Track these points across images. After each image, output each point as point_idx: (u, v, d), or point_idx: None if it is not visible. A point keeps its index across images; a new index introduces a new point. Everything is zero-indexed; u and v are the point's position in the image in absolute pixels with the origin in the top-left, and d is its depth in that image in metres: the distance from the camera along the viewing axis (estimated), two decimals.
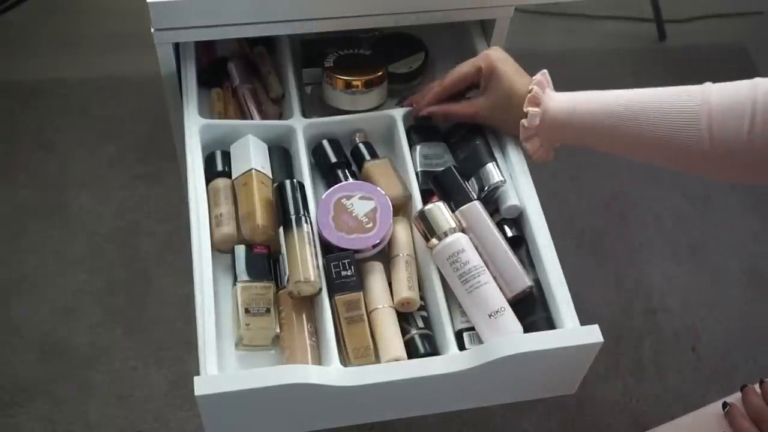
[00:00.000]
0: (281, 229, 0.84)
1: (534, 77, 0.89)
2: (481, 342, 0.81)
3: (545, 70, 0.91)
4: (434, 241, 0.84)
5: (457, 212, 0.86)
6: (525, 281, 0.83)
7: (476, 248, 0.84)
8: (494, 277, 0.83)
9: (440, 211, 0.84)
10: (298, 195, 0.87)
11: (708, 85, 0.77)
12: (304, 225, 0.84)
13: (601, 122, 0.83)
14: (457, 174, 0.89)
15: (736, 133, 0.73)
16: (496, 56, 0.91)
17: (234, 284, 0.83)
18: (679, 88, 0.79)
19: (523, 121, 0.88)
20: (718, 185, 1.71)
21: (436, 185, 0.90)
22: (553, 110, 0.86)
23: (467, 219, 0.85)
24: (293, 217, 0.85)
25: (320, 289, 0.82)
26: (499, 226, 0.88)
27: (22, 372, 1.36)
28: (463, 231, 0.85)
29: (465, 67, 0.92)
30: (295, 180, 0.89)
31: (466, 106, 0.94)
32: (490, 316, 0.81)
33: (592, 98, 0.85)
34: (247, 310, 0.81)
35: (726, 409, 0.85)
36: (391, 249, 0.88)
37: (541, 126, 0.87)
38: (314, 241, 0.85)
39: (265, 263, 0.85)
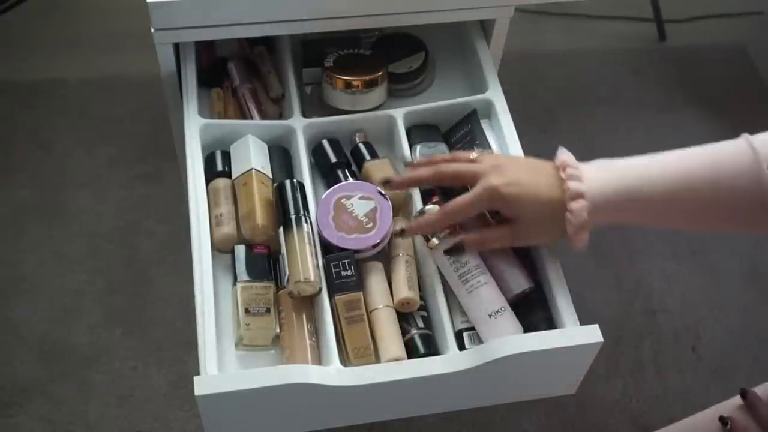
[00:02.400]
0: (281, 229, 0.84)
1: (560, 166, 0.77)
2: (481, 342, 0.81)
3: (563, 150, 0.79)
4: (434, 240, 0.83)
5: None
6: (525, 283, 0.83)
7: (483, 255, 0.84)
8: (495, 278, 0.83)
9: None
10: (298, 195, 0.87)
11: (749, 138, 0.73)
12: (304, 225, 0.84)
13: (652, 196, 0.74)
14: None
15: None
16: (497, 182, 0.77)
17: (234, 284, 0.83)
18: (721, 146, 0.74)
19: (569, 217, 0.75)
20: None
21: (437, 185, 0.90)
22: (599, 197, 0.75)
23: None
24: (293, 217, 0.85)
25: (320, 289, 0.82)
26: None
27: (21, 372, 1.36)
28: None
29: (469, 200, 0.78)
30: (295, 180, 0.89)
31: (500, 237, 0.80)
32: (490, 316, 0.81)
33: (639, 172, 0.75)
34: (247, 310, 0.81)
35: (727, 427, 0.83)
36: (391, 249, 0.88)
37: (590, 218, 0.76)
38: (314, 241, 0.84)
39: (265, 263, 0.85)
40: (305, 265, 0.81)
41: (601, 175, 0.75)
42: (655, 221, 0.79)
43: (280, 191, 0.88)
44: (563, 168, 0.76)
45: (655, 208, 0.75)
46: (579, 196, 0.74)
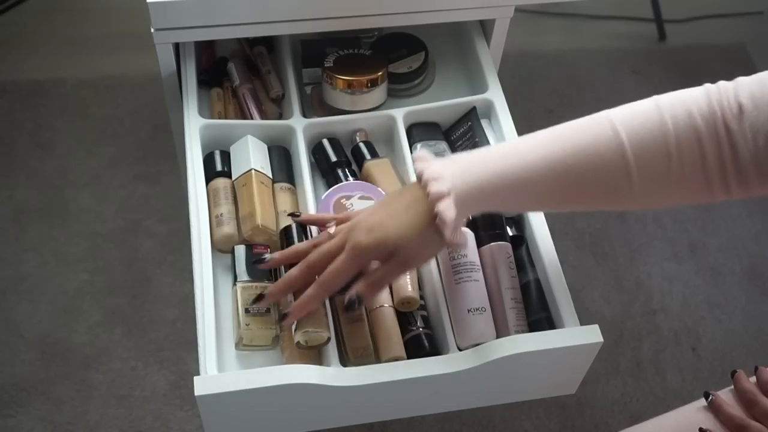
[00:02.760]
0: None
1: (418, 176, 0.74)
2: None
3: (419, 156, 0.76)
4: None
5: (485, 247, 0.86)
6: (523, 326, 0.83)
7: (490, 284, 0.84)
8: (498, 314, 0.83)
9: None
10: (304, 238, 0.84)
11: (612, 122, 0.71)
12: None
13: (514, 182, 0.72)
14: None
15: (663, 169, 0.70)
16: (357, 239, 0.74)
17: (234, 284, 0.83)
18: (585, 129, 0.72)
19: (440, 221, 0.72)
20: None
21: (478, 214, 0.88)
22: (463, 192, 0.72)
23: (494, 255, 0.85)
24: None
25: (329, 339, 0.79)
26: None
27: (21, 372, 1.36)
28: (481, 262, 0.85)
29: (341, 267, 0.75)
30: (300, 225, 0.86)
31: (389, 272, 0.76)
32: (469, 311, 0.81)
33: (499, 160, 0.73)
34: (247, 310, 0.81)
35: (710, 399, 0.85)
36: None
37: (460, 213, 0.73)
38: None
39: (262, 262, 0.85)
40: (313, 314, 0.78)
41: (460, 169, 0.73)
42: (525, 207, 0.79)
43: (286, 234, 0.85)
44: (421, 175, 0.73)
45: (522, 195, 0.73)
46: (442, 196, 0.71)
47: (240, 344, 0.81)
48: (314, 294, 0.76)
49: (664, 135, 0.69)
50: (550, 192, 0.73)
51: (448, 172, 0.73)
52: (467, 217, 0.77)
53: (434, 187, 0.72)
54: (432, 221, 0.72)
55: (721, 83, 0.70)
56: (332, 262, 0.75)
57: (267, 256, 0.82)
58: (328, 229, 0.79)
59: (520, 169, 0.72)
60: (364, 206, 0.87)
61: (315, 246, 0.78)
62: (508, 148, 0.75)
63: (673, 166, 0.69)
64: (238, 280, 0.83)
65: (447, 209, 0.71)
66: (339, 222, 0.80)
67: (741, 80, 0.69)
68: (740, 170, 0.68)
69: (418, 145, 0.96)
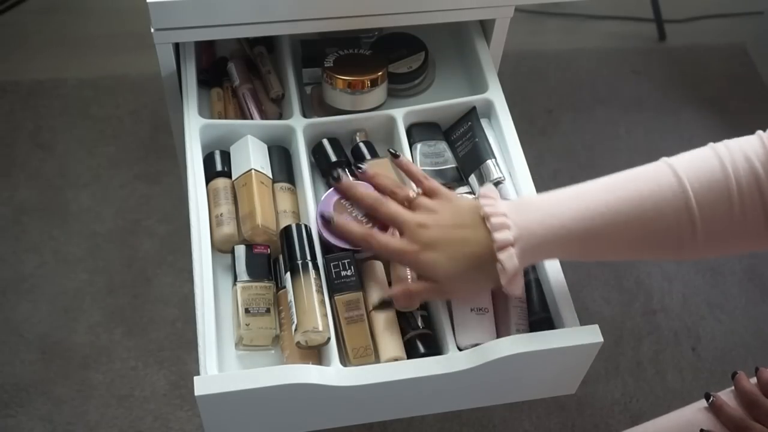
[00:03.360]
0: (288, 275, 0.82)
1: (484, 217, 0.74)
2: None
3: (486, 193, 0.76)
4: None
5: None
6: (524, 325, 0.83)
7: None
8: (501, 312, 0.83)
9: None
10: (305, 238, 0.84)
11: (673, 168, 0.71)
12: (311, 271, 0.82)
13: (579, 235, 0.72)
14: None
15: (726, 217, 0.70)
16: (413, 248, 0.76)
17: (234, 284, 0.83)
18: (643, 174, 0.73)
19: (501, 268, 0.72)
20: None
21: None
22: (527, 244, 0.73)
23: None
24: (299, 263, 0.82)
25: (329, 339, 0.79)
26: None
27: (21, 372, 1.36)
28: None
29: (391, 250, 0.78)
30: (301, 223, 0.86)
31: (426, 291, 0.78)
32: (472, 310, 0.81)
33: (563, 211, 0.73)
34: (247, 310, 0.81)
35: (710, 400, 0.85)
36: None
37: (521, 264, 0.73)
38: (322, 287, 0.82)
39: (266, 263, 0.85)
40: (313, 314, 0.78)
41: (526, 219, 0.73)
42: (587, 256, 0.78)
43: (286, 234, 0.85)
44: (487, 218, 0.74)
45: (584, 245, 0.73)
46: (508, 245, 0.72)
47: (240, 344, 0.81)
48: (363, 234, 0.80)
49: (726, 181, 0.69)
50: (615, 241, 0.73)
51: (514, 220, 0.73)
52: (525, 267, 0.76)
53: (500, 236, 0.72)
54: (487, 265, 0.73)
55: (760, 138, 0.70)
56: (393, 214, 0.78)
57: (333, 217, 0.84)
58: (410, 192, 0.81)
59: (587, 219, 0.72)
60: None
61: (394, 194, 0.82)
62: (572, 196, 0.74)
63: (735, 212, 0.69)
64: (238, 280, 0.83)
65: (509, 260, 0.72)
66: (424, 191, 0.81)
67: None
68: None
69: (418, 146, 0.96)
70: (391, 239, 0.79)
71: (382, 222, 0.82)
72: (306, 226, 0.86)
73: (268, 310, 0.82)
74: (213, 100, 1.02)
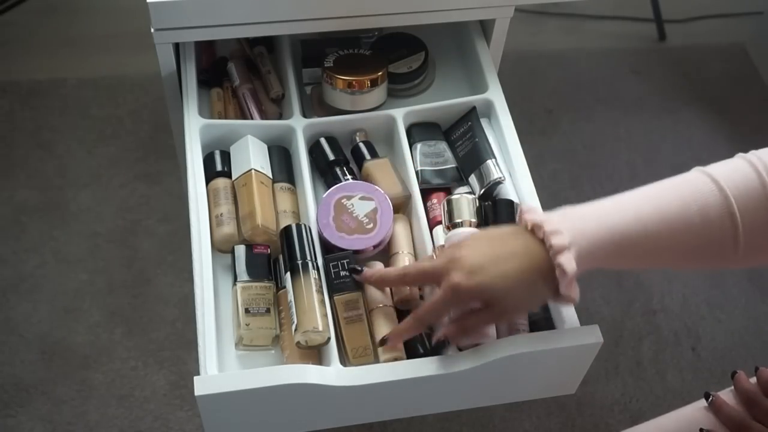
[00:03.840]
0: (288, 275, 0.82)
1: (533, 227, 0.73)
2: None
3: (530, 209, 0.76)
4: (450, 226, 0.86)
5: None
6: (524, 325, 0.83)
7: None
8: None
9: (466, 203, 0.86)
10: (305, 239, 0.84)
11: (712, 176, 0.71)
12: (311, 271, 0.82)
13: (632, 239, 0.72)
14: (513, 209, 0.88)
15: (766, 225, 0.70)
16: (458, 279, 0.72)
17: (234, 284, 0.83)
18: (687, 184, 0.72)
19: (560, 273, 0.71)
20: None
21: (490, 210, 0.88)
22: (584, 246, 0.72)
23: None
24: (299, 263, 0.82)
25: (329, 339, 0.79)
26: None
27: (21, 372, 1.36)
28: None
29: (438, 304, 0.75)
30: (302, 223, 0.86)
31: (481, 321, 0.77)
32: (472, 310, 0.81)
33: (614, 216, 0.73)
34: (247, 310, 0.81)
35: (710, 400, 0.85)
36: (391, 246, 0.88)
37: (579, 269, 0.72)
38: (322, 288, 0.82)
39: (265, 263, 0.85)
40: (313, 314, 0.78)
41: (577, 225, 0.72)
42: (635, 264, 0.77)
43: (286, 234, 0.85)
44: (538, 228, 0.72)
45: (636, 250, 0.73)
46: (564, 249, 0.71)
47: (240, 344, 0.81)
48: (409, 327, 0.77)
49: (764, 189, 0.69)
50: (665, 245, 0.72)
51: (566, 226, 0.72)
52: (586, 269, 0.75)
53: (556, 241, 0.71)
54: (541, 275, 0.71)
55: None
56: (423, 280, 0.78)
57: (362, 269, 0.83)
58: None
59: (639, 222, 0.72)
60: (365, 207, 0.87)
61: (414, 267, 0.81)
62: (616, 204, 0.74)
63: None
64: (238, 279, 0.83)
65: (568, 262, 0.70)
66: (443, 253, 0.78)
67: None
68: None
69: (418, 145, 0.96)
70: (433, 296, 0.76)
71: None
72: (306, 225, 0.86)
73: (268, 310, 0.82)
74: (213, 100, 1.02)
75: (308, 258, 0.83)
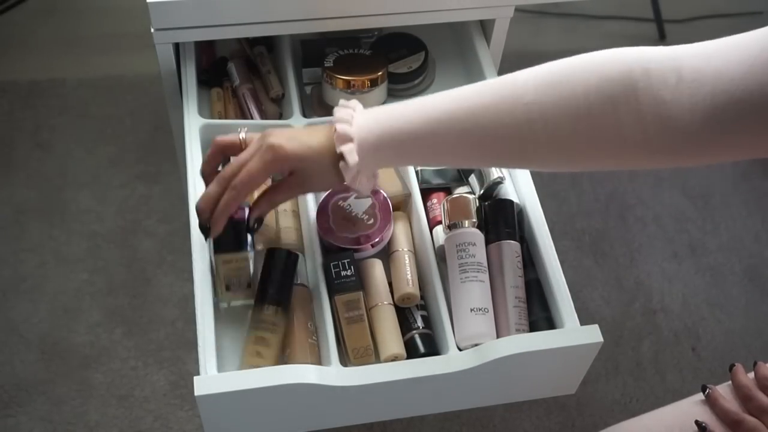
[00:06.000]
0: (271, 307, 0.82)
1: (335, 114, 0.77)
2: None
3: (342, 102, 0.79)
4: (450, 226, 0.86)
5: (494, 245, 0.86)
6: (524, 325, 0.83)
7: (495, 281, 0.84)
8: (501, 311, 0.83)
9: (466, 203, 0.86)
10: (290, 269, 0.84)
11: (525, 80, 0.71)
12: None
13: (416, 135, 0.73)
14: (513, 209, 0.88)
15: (570, 133, 0.69)
16: (279, 141, 0.76)
17: (215, 254, 0.82)
18: (492, 87, 0.72)
19: (342, 164, 0.75)
20: (718, 184, 1.71)
21: (490, 210, 0.89)
22: (366, 140, 0.74)
23: (502, 253, 0.85)
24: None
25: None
26: None
27: (21, 372, 1.36)
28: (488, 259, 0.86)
29: (256, 165, 0.77)
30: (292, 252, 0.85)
31: (284, 190, 0.80)
32: (471, 310, 0.81)
33: (405, 113, 0.74)
34: (227, 287, 0.81)
35: (706, 393, 0.85)
36: (391, 245, 0.88)
37: (360, 160, 0.75)
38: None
39: (244, 231, 0.83)
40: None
41: (369, 118, 0.75)
42: (428, 158, 0.79)
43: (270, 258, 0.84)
44: (335, 111, 0.77)
45: (422, 146, 0.74)
46: (347, 139, 0.74)
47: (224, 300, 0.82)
48: (230, 197, 0.77)
49: (576, 99, 0.68)
50: (454, 147, 0.73)
51: (358, 120, 0.75)
52: (375, 170, 0.79)
53: (341, 129, 0.75)
54: (335, 157, 0.75)
55: (657, 50, 0.67)
56: (238, 149, 0.78)
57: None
58: (239, 134, 0.81)
59: (424, 124, 0.73)
60: (362, 204, 0.88)
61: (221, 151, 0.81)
62: (417, 103, 0.75)
63: (582, 131, 0.68)
64: (219, 251, 0.81)
65: (350, 153, 0.74)
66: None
67: (680, 50, 0.66)
68: (671, 140, 0.66)
69: None
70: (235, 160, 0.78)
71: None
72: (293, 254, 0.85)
73: (248, 285, 0.82)
74: (213, 100, 1.02)
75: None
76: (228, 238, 0.81)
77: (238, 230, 0.81)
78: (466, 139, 0.72)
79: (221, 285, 0.81)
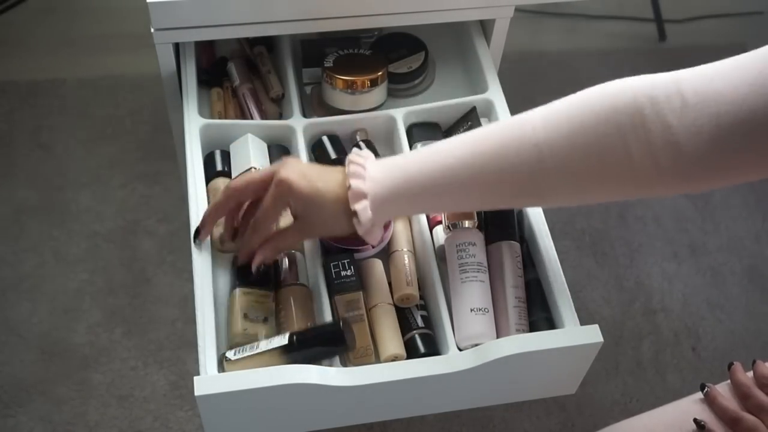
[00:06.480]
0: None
1: (348, 167, 0.77)
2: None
3: (356, 151, 0.79)
4: (450, 226, 0.86)
5: (494, 245, 0.86)
6: (524, 325, 0.83)
7: (495, 281, 0.84)
8: (501, 311, 0.83)
9: None
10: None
11: (533, 121, 0.71)
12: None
13: (435, 189, 0.74)
14: (514, 210, 0.88)
15: (582, 169, 0.69)
16: (288, 175, 0.76)
17: (233, 290, 0.82)
18: (503, 129, 0.72)
19: (356, 221, 0.76)
20: None
21: (490, 210, 0.89)
22: (380, 195, 0.75)
23: (502, 253, 0.85)
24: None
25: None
26: None
27: (21, 372, 1.36)
28: (487, 256, 0.86)
29: (269, 202, 0.78)
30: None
31: (289, 237, 0.81)
32: (471, 310, 0.81)
33: (418, 164, 0.75)
34: (245, 315, 0.80)
35: (705, 391, 0.85)
36: (391, 245, 0.88)
37: (375, 215, 0.76)
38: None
39: (265, 270, 0.84)
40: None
41: (382, 171, 0.75)
42: (441, 206, 0.80)
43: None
44: (348, 165, 0.77)
45: (435, 195, 0.74)
46: (362, 196, 0.75)
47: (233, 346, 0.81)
48: (251, 239, 0.79)
49: (584, 135, 0.68)
50: (468, 193, 0.74)
51: (371, 173, 0.75)
52: (387, 220, 0.81)
53: (355, 185, 0.75)
54: (346, 211, 0.76)
55: (659, 76, 0.68)
56: (253, 188, 0.79)
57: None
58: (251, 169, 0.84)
59: (437, 173, 0.73)
60: None
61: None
62: (428, 152, 0.75)
63: (593, 165, 0.68)
64: (239, 285, 0.82)
65: (363, 210, 0.75)
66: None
67: (682, 74, 0.67)
68: (680, 165, 0.66)
69: (418, 145, 0.96)
70: (251, 188, 0.80)
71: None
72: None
73: (266, 320, 0.81)
74: (213, 100, 1.02)
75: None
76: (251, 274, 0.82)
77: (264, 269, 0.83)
78: (479, 185, 0.72)
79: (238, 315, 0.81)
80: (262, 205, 0.78)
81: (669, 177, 0.66)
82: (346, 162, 0.78)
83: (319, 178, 0.77)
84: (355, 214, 0.75)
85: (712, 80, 0.64)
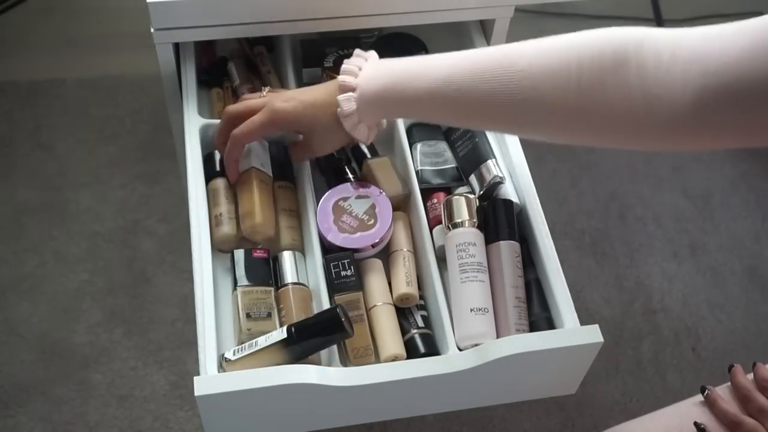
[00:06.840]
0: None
1: (344, 65, 0.82)
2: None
3: (358, 51, 0.84)
4: (450, 226, 0.86)
5: (494, 244, 0.86)
6: (524, 325, 0.83)
7: (495, 281, 0.84)
8: (501, 311, 0.83)
9: (466, 203, 0.86)
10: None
11: (522, 51, 0.72)
12: None
13: (415, 91, 0.77)
14: (513, 209, 0.89)
15: (561, 104, 0.69)
16: (276, 103, 0.83)
17: (234, 289, 0.83)
18: (492, 55, 0.73)
19: (340, 110, 0.81)
20: (718, 184, 1.71)
21: (490, 210, 0.89)
22: (367, 90, 0.79)
23: (502, 253, 0.85)
24: None
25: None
26: None
27: (21, 372, 1.36)
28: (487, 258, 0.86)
29: (256, 122, 0.84)
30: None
31: (299, 151, 0.90)
32: (471, 310, 0.81)
33: (407, 68, 0.78)
34: (248, 315, 0.81)
35: (705, 394, 0.85)
36: (391, 245, 0.88)
37: (360, 109, 0.80)
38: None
39: (265, 267, 0.85)
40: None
41: (376, 70, 0.80)
42: (425, 116, 0.82)
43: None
44: (345, 71, 0.81)
45: (421, 103, 0.77)
46: (348, 89, 0.80)
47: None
48: (230, 146, 0.86)
49: (567, 71, 0.68)
50: (451, 109, 0.76)
51: (365, 72, 0.80)
52: (377, 122, 0.85)
53: (343, 79, 0.80)
54: (336, 111, 0.80)
55: (659, 30, 0.66)
56: (252, 113, 0.85)
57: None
58: (263, 93, 0.90)
59: (425, 83, 0.76)
60: (363, 204, 0.88)
61: (242, 99, 0.90)
62: (421, 62, 0.78)
63: (570, 102, 0.68)
64: (239, 284, 0.83)
65: (346, 100, 0.80)
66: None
67: (686, 30, 0.66)
68: (656, 117, 0.65)
69: (419, 145, 0.96)
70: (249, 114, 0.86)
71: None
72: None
73: (269, 315, 0.81)
74: (213, 100, 1.02)
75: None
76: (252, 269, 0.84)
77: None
78: (462, 103, 0.74)
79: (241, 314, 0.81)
80: (248, 122, 0.84)
81: (645, 128, 0.66)
82: (345, 60, 0.82)
83: (309, 94, 0.84)
84: (339, 104, 0.80)
85: (711, 41, 0.64)
